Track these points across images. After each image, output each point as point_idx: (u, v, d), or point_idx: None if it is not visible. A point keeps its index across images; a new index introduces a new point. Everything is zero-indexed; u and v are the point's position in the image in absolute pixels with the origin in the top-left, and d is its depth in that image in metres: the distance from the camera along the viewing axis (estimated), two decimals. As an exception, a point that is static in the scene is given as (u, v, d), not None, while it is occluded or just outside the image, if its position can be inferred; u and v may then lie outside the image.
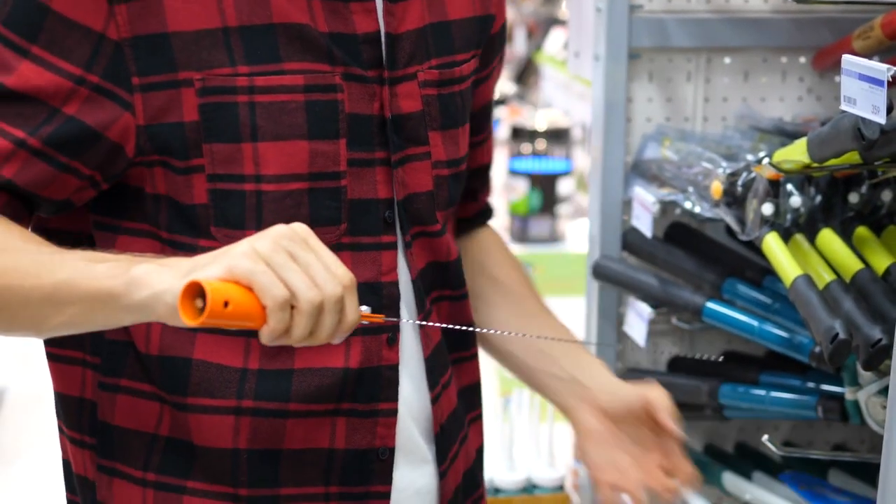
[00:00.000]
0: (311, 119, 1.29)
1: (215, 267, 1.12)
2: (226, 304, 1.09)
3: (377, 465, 1.39)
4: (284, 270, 1.12)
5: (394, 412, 1.39)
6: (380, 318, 1.24)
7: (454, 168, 1.45)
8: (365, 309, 1.25)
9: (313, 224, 1.30)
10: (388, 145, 1.36)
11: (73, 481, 1.44)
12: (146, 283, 1.14)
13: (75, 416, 1.40)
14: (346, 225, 1.33)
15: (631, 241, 2.02)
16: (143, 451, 1.36)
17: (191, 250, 1.29)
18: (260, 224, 1.28)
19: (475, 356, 1.56)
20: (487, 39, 1.52)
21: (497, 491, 2.46)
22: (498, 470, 2.48)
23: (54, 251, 1.24)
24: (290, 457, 1.32)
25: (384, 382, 1.37)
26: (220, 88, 1.26)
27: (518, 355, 1.59)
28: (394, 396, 1.38)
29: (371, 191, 1.35)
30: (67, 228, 1.35)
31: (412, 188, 1.39)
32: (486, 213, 1.69)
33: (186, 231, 1.30)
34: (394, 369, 1.38)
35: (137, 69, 1.25)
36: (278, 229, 1.15)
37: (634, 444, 1.48)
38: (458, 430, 1.50)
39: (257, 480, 1.31)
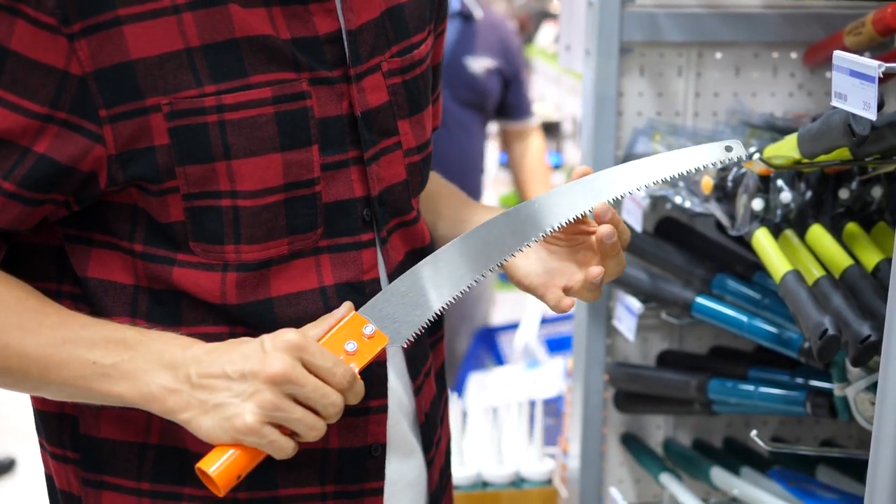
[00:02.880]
0: (282, 130, 1.28)
1: (223, 436, 1.20)
2: (238, 476, 1.22)
3: (371, 461, 1.39)
4: (288, 423, 1.20)
5: (384, 408, 1.39)
6: (373, 356, 1.28)
7: (424, 152, 1.45)
8: (348, 306, 1.28)
9: (290, 232, 1.30)
10: (360, 143, 1.35)
11: (57, 497, 1.43)
12: (165, 407, 1.22)
13: (55, 431, 1.39)
14: (322, 229, 1.33)
15: (621, 235, 2.02)
16: (133, 461, 1.35)
17: (168, 263, 1.29)
18: (238, 238, 1.29)
19: (442, 337, 1.57)
20: (436, 6, 1.51)
21: (485, 485, 2.46)
22: (487, 464, 2.48)
23: (55, 325, 1.25)
24: (286, 458, 1.32)
25: (374, 380, 1.37)
26: (189, 111, 1.24)
27: (449, 236, 1.56)
28: (384, 393, 1.38)
29: (347, 191, 1.34)
30: (36, 242, 1.34)
31: (388, 181, 1.38)
32: None
33: (164, 245, 1.29)
34: (382, 366, 1.38)
35: (104, 101, 1.23)
36: (272, 369, 1.19)
37: (564, 253, 1.44)
38: (437, 415, 1.51)
39: (255, 483, 1.31)
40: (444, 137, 3.46)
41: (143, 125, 1.24)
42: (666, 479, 2.04)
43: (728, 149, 1.35)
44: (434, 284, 1.32)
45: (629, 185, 1.36)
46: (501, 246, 1.35)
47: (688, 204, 1.85)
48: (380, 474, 1.40)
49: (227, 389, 1.20)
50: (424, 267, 1.33)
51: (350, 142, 1.34)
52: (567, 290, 1.41)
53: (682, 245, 1.96)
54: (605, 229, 1.34)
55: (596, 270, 1.37)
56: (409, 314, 1.30)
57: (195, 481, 1.31)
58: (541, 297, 1.43)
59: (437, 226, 1.59)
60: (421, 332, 1.31)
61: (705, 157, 1.36)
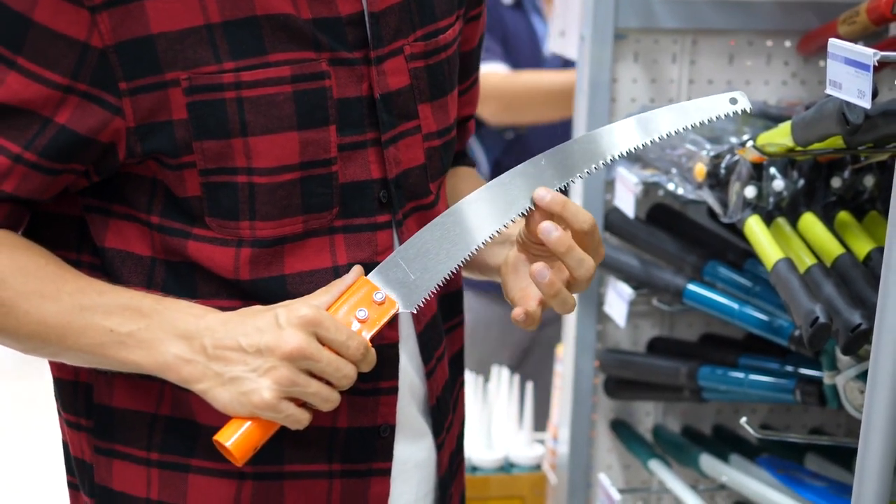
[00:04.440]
0: (300, 109, 1.28)
1: (241, 409, 1.23)
2: (255, 447, 1.24)
3: (379, 442, 1.39)
4: (304, 397, 1.23)
5: (395, 390, 1.39)
6: (384, 323, 1.28)
7: (445, 137, 1.44)
8: (358, 270, 1.29)
9: (305, 211, 1.30)
10: (379, 125, 1.35)
11: (72, 464, 1.44)
12: (181, 376, 1.24)
13: (70, 398, 1.40)
14: (337, 209, 1.33)
15: (613, 221, 2.02)
16: (144, 431, 1.36)
17: (184, 237, 1.30)
18: (253, 215, 1.29)
19: (462, 322, 1.56)
20: None
21: (475, 469, 2.46)
22: (476, 449, 2.48)
23: (73, 291, 1.26)
24: (294, 435, 1.32)
25: (385, 361, 1.37)
26: (207, 86, 1.25)
27: None
28: (394, 374, 1.39)
29: (364, 172, 1.34)
30: (56, 211, 1.35)
31: (405, 164, 1.38)
32: (461, 158, 1.65)
33: (180, 218, 1.30)
34: (394, 347, 1.38)
35: (124, 74, 1.24)
36: (288, 346, 1.21)
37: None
38: (450, 400, 1.51)
39: (262, 458, 1.32)
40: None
41: (162, 99, 1.24)
42: (655, 465, 2.05)
43: (733, 101, 1.34)
44: (444, 246, 1.31)
45: (657, 133, 1.34)
46: (519, 196, 1.33)
47: (680, 191, 1.85)
48: (388, 455, 1.40)
49: (243, 363, 1.22)
50: (434, 228, 1.32)
51: (368, 123, 1.34)
52: (541, 303, 1.36)
53: (674, 232, 1.96)
54: (536, 267, 1.29)
55: (536, 267, 1.31)
56: (419, 278, 1.30)
57: (203, 453, 1.32)
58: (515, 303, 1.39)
59: None
60: (431, 296, 1.30)
61: (711, 109, 1.34)
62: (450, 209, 1.33)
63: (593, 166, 1.34)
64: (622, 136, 1.34)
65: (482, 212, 1.33)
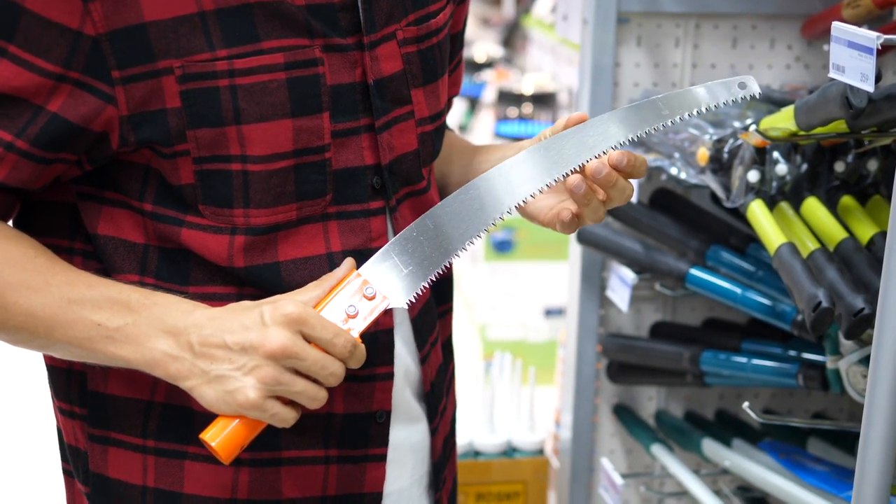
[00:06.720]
0: (293, 97, 1.28)
1: (226, 408, 1.22)
2: (241, 445, 1.23)
3: (375, 428, 1.40)
4: (291, 395, 1.22)
5: (390, 376, 1.39)
6: (375, 318, 1.27)
7: (437, 122, 1.44)
8: (350, 263, 1.27)
9: (299, 198, 1.30)
10: (372, 111, 1.35)
11: (66, 451, 1.45)
12: (168, 372, 1.23)
13: (63, 386, 1.41)
14: (331, 195, 1.33)
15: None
16: (139, 419, 1.36)
17: (177, 224, 1.30)
18: (247, 202, 1.29)
19: (451, 309, 1.56)
20: None
21: (477, 454, 2.47)
22: (478, 433, 2.48)
23: (62, 284, 1.26)
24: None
25: (381, 347, 1.37)
26: (201, 74, 1.25)
27: (461, 182, 1.49)
28: (390, 360, 1.39)
29: (357, 158, 1.34)
30: (49, 199, 1.35)
31: (399, 150, 1.38)
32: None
33: (173, 206, 1.30)
34: (389, 333, 1.38)
35: (117, 62, 1.24)
36: (272, 345, 1.19)
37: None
38: (443, 385, 1.51)
39: (259, 444, 1.32)
40: None
41: (156, 87, 1.24)
42: (657, 450, 2.05)
43: (742, 86, 1.33)
44: (436, 241, 1.30)
45: (667, 118, 1.33)
46: (515, 190, 1.32)
47: (683, 175, 1.84)
48: (383, 441, 1.40)
49: (229, 361, 1.21)
50: (426, 220, 1.31)
51: (362, 109, 1.34)
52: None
53: (677, 216, 1.95)
54: (572, 180, 1.31)
55: (565, 213, 1.34)
56: (412, 272, 1.29)
57: (199, 440, 1.31)
58: (548, 223, 1.39)
59: (450, 173, 1.58)
60: (423, 291, 1.30)
61: (720, 94, 1.33)
62: (446, 199, 1.31)
63: (586, 159, 1.32)
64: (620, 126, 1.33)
65: (484, 199, 1.32)
